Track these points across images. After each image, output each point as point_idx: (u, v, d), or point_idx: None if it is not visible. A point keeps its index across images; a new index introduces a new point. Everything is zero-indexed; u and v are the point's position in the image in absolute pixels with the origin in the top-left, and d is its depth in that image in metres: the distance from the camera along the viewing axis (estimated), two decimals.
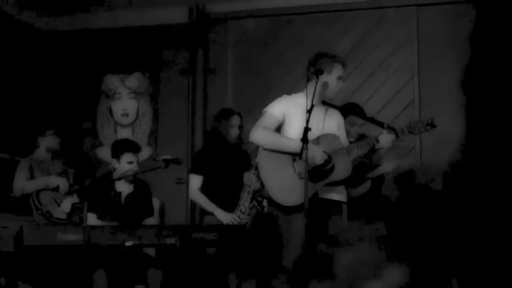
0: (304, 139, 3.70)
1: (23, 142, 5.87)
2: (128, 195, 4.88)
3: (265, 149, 4.06)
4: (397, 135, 4.08)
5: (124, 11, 6.63)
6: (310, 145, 3.81)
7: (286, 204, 3.96)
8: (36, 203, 5.23)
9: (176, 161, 4.76)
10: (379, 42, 6.08)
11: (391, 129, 4.09)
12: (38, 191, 5.29)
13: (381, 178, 5.35)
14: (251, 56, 6.40)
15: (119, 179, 4.79)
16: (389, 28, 6.07)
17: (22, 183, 5.37)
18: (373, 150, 4.09)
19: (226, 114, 5.10)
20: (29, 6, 6.47)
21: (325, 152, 3.95)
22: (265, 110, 4.16)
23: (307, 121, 3.74)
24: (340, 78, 4.16)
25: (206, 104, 6.40)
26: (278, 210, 4.03)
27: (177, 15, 6.53)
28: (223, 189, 4.91)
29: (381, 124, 4.19)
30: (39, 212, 5.19)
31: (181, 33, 6.53)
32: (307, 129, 3.72)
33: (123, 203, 4.85)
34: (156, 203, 5.35)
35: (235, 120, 5.03)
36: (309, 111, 3.77)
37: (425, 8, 5.99)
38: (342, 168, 4.01)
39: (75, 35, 6.77)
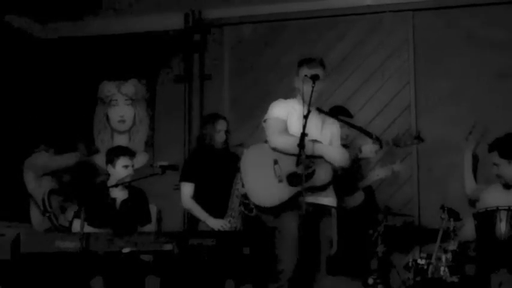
0: (301, 144, 3.70)
1: (18, 149, 5.87)
2: (123, 202, 4.87)
3: (288, 154, 3.99)
4: (381, 146, 4.10)
5: (120, 17, 6.62)
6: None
7: (261, 205, 4.02)
8: (47, 204, 5.20)
9: (173, 168, 4.76)
10: (375, 47, 6.09)
11: (376, 139, 4.09)
12: (50, 193, 5.27)
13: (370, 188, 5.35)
14: (247, 62, 6.40)
15: (116, 185, 4.78)
16: (385, 33, 6.08)
17: (44, 160, 5.36)
18: (356, 159, 4.09)
19: (211, 119, 5.04)
20: (25, 13, 6.47)
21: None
22: (266, 117, 4.14)
23: (304, 126, 3.74)
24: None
25: (202, 110, 6.39)
26: (259, 212, 4.07)
27: (173, 21, 6.52)
28: (214, 195, 4.87)
29: (368, 133, 4.18)
30: (47, 214, 5.16)
31: (177, 39, 6.53)
32: (303, 135, 3.72)
33: (118, 209, 4.85)
34: (153, 209, 5.34)
35: (220, 125, 4.97)
36: (306, 117, 3.78)
37: (421, 13, 6.00)
38: (323, 174, 4.02)
39: (71, 42, 6.77)
